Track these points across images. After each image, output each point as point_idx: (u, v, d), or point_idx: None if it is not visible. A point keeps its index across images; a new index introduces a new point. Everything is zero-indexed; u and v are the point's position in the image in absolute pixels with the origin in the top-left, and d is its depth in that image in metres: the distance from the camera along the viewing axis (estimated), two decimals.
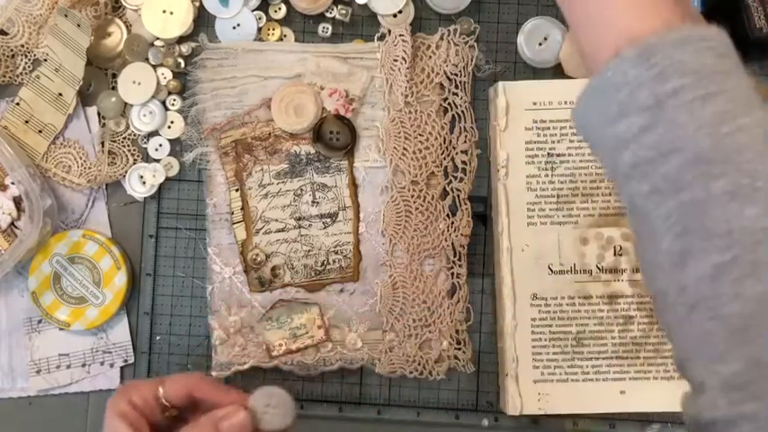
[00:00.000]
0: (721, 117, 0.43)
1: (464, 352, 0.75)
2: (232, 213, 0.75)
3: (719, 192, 0.42)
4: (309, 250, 0.75)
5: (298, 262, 0.75)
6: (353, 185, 0.75)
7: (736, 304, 0.41)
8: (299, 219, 0.75)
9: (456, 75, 0.75)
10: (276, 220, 0.75)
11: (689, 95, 0.43)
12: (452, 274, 0.75)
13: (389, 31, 0.75)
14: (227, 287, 0.75)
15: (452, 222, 0.74)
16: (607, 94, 0.45)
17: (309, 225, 0.75)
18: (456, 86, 0.75)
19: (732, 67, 0.45)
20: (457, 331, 0.75)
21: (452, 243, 0.74)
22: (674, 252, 0.43)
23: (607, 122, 0.46)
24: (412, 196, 0.74)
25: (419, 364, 0.74)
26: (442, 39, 0.75)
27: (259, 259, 0.75)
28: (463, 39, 0.75)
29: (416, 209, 0.74)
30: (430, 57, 0.75)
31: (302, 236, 0.75)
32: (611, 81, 0.45)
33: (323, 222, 0.75)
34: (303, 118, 0.73)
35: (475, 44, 0.75)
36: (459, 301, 0.74)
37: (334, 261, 0.75)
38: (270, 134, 0.75)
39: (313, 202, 0.75)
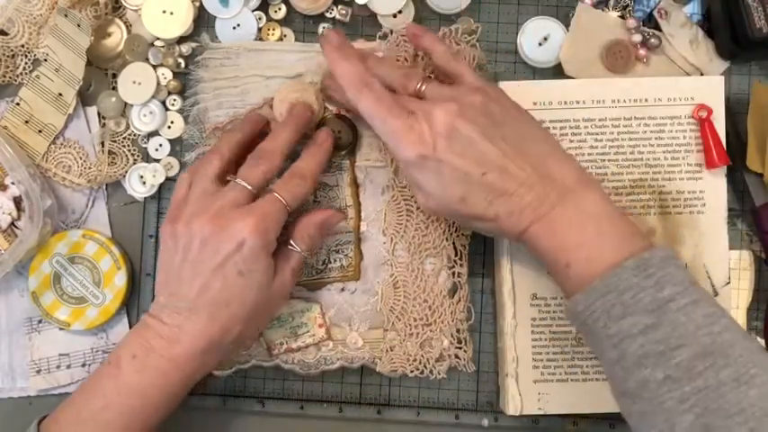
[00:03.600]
0: (711, 318, 0.55)
1: (465, 351, 0.75)
2: None
3: (728, 379, 0.52)
4: None
5: None
6: (355, 185, 0.75)
7: None
8: None
9: None
10: None
11: (683, 301, 0.55)
12: (453, 273, 0.75)
13: (391, 31, 0.74)
14: None
15: (453, 222, 0.74)
16: (611, 296, 0.56)
17: None
18: None
19: (693, 276, 0.58)
20: (458, 330, 0.75)
21: (453, 242, 0.74)
22: (697, 428, 0.52)
23: (612, 319, 0.56)
24: (413, 195, 0.73)
25: (420, 363, 0.74)
26: (444, 38, 0.75)
27: None
28: (465, 38, 0.75)
29: (417, 208, 0.74)
30: (431, 57, 0.75)
31: None
32: (615, 285, 0.56)
33: None
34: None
35: (477, 44, 0.75)
36: (459, 301, 0.74)
37: (335, 260, 0.75)
38: None
39: (314, 201, 0.75)
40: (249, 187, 0.66)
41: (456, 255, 0.74)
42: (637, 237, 0.60)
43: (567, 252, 0.60)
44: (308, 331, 0.74)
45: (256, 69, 0.75)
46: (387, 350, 0.74)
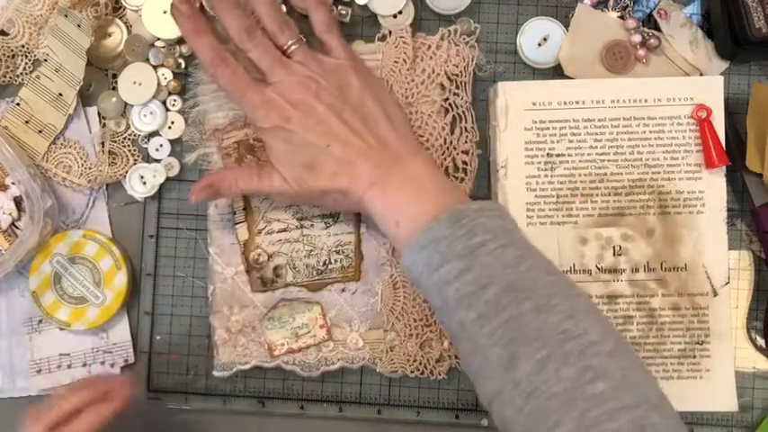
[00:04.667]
0: (518, 259, 0.59)
1: None
2: (234, 214, 0.75)
3: (528, 309, 0.56)
4: (311, 250, 0.75)
5: (300, 262, 0.75)
6: None
7: (561, 384, 0.53)
8: (301, 219, 0.75)
9: (457, 75, 0.75)
10: (278, 221, 0.75)
11: (492, 246, 0.59)
12: None
13: (390, 33, 0.75)
14: (229, 287, 0.75)
15: None
16: (429, 247, 0.60)
17: (311, 225, 0.75)
18: (457, 87, 0.75)
19: (513, 225, 0.62)
20: None
21: None
22: (504, 358, 0.56)
23: (432, 268, 0.60)
24: None
25: (420, 364, 0.75)
26: (442, 39, 0.75)
27: (261, 259, 0.75)
28: (464, 39, 0.75)
29: None
30: (431, 57, 0.75)
31: (304, 236, 0.75)
32: (432, 237, 0.60)
33: (324, 222, 0.75)
34: None
35: (476, 44, 0.75)
36: None
37: (335, 261, 0.75)
38: None
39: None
40: None
41: None
42: (455, 193, 0.66)
43: (395, 211, 0.65)
44: (308, 332, 0.75)
45: None
46: (387, 350, 0.75)
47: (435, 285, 0.60)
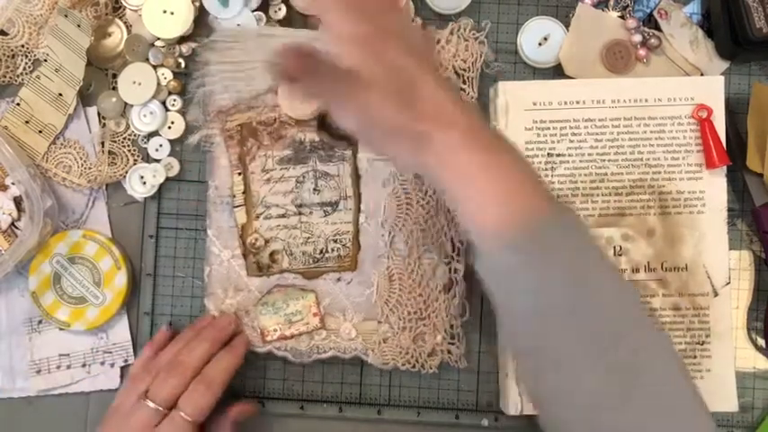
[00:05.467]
0: (620, 289, 0.56)
1: (458, 347, 0.74)
2: (234, 197, 0.75)
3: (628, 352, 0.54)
4: (309, 237, 0.75)
5: (297, 248, 0.75)
6: (356, 175, 0.75)
7: None
8: (300, 205, 0.75)
9: (465, 70, 0.75)
10: (277, 206, 0.75)
11: (602, 267, 0.55)
12: (450, 268, 0.75)
13: None
14: (225, 270, 0.75)
15: (453, 218, 0.74)
16: (534, 250, 0.53)
17: (310, 212, 0.75)
18: (464, 82, 0.75)
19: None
20: (451, 326, 0.74)
21: (452, 238, 0.74)
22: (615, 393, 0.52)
23: (533, 269, 0.53)
24: (414, 189, 0.74)
25: (412, 357, 0.74)
26: (452, 33, 0.75)
27: (258, 244, 0.75)
28: (473, 34, 0.75)
29: (417, 202, 0.74)
30: (439, 51, 0.75)
31: (302, 223, 0.75)
32: (541, 241, 0.53)
33: (323, 210, 0.75)
34: (309, 104, 0.74)
35: (485, 40, 0.75)
36: (455, 296, 0.74)
37: (332, 249, 0.75)
38: (275, 119, 0.75)
39: (315, 189, 0.75)
40: (159, 408, 0.67)
41: (453, 250, 0.75)
42: (547, 192, 0.58)
43: (492, 187, 0.55)
44: (302, 319, 0.75)
45: (264, 54, 0.74)
46: (379, 342, 0.74)
47: (529, 289, 0.54)
